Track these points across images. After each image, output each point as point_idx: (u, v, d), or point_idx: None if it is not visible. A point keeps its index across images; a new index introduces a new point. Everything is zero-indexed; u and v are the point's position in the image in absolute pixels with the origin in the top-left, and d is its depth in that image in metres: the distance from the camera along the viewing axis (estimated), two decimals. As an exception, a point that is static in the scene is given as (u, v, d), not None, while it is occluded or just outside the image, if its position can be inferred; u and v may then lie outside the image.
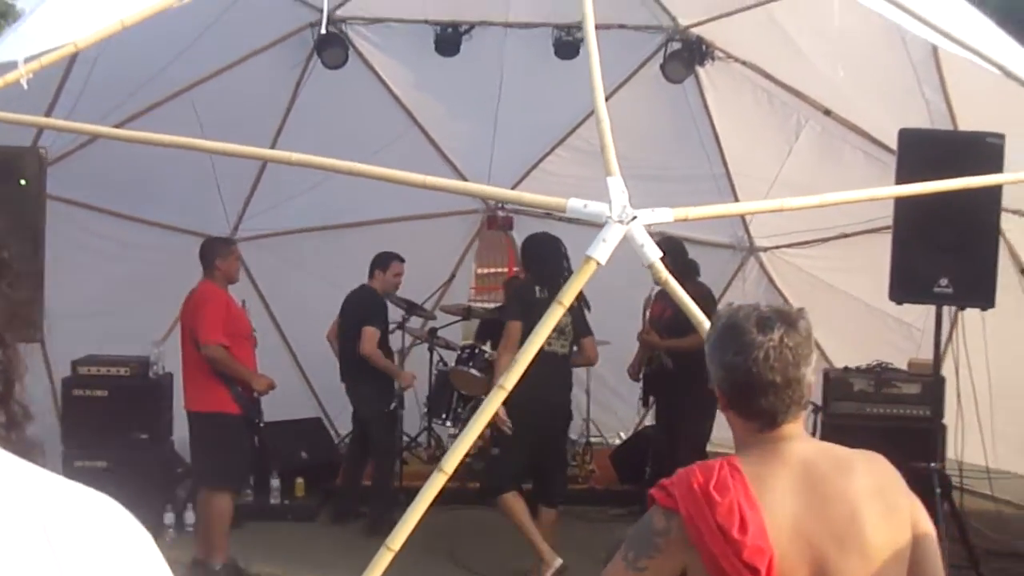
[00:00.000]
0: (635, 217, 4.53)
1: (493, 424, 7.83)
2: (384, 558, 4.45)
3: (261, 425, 8.79)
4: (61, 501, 1.46)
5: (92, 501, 1.49)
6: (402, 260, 10.01)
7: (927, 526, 2.99)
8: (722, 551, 2.79)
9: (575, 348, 8.55)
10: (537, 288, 8.08)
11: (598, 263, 4.52)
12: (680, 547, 2.88)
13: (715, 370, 3.02)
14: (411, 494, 9.32)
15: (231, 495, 8.49)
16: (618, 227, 4.51)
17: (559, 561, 8.16)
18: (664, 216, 4.65)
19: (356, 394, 10.04)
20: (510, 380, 4.56)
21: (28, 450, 1.52)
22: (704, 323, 4.73)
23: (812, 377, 2.96)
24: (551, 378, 8.02)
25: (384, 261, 9.97)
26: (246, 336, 8.59)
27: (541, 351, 4.76)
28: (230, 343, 8.27)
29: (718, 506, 2.81)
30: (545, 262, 8.22)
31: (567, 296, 4.61)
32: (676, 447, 9.00)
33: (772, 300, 10.85)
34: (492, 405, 4.61)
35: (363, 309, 9.76)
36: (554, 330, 7.26)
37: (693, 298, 8.62)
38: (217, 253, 8.54)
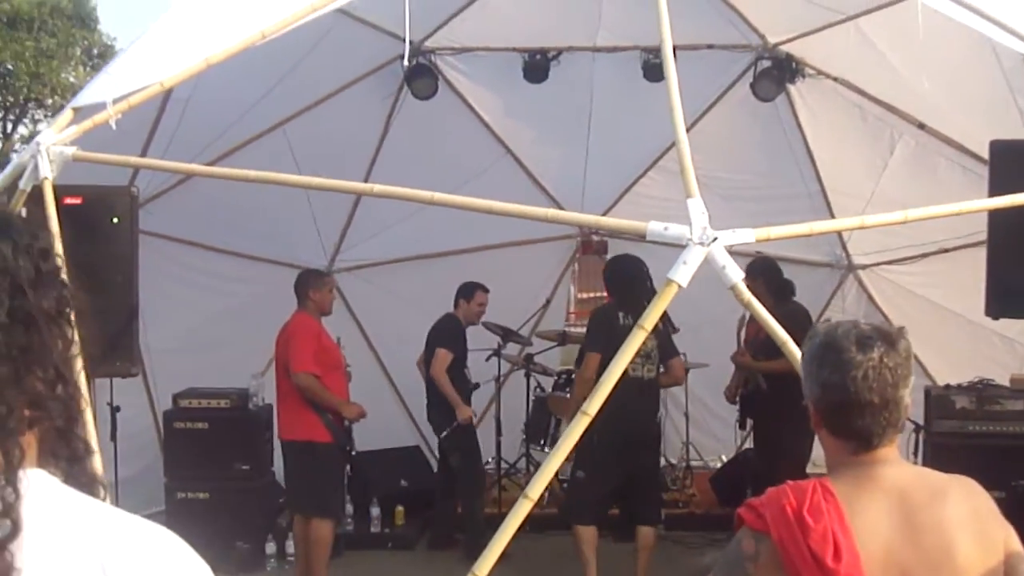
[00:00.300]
0: (716, 239, 4.50)
1: (579, 447, 7.75)
2: (476, 585, 4.44)
3: (353, 453, 8.92)
4: (121, 537, 1.48)
5: (152, 536, 1.51)
6: (486, 290, 10.08)
7: (1018, 547, 2.88)
8: None
9: (662, 369, 8.46)
10: (621, 314, 8.01)
11: (679, 286, 4.50)
12: (770, 571, 2.82)
13: (810, 387, 2.95)
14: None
15: (330, 523, 8.56)
16: (699, 249, 4.49)
17: None
18: (746, 237, 4.62)
19: (431, 420, 10.08)
20: (593, 406, 4.55)
21: (90, 484, 1.55)
22: (789, 343, 4.69)
23: (910, 399, 2.88)
24: (637, 403, 7.96)
25: (469, 291, 9.99)
26: (338, 367, 8.68)
27: (626, 376, 4.74)
28: (321, 373, 8.39)
29: (812, 532, 2.74)
30: (628, 285, 8.17)
31: (649, 320, 4.59)
32: (775, 469, 8.89)
33: (872, 318, 10.70)
34: (575, 432, 4.58)
35: (437, 333, 9.82)
36: (639, 355, 7.23)
37: (786, 318, 8.53)
38: (311, 285, 8.66)
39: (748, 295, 4.57)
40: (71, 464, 1.53)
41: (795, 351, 4.70)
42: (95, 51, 32.30)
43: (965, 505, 2.81)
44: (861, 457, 2.88)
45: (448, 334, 9.80)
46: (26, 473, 1.45)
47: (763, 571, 2.83)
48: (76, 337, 1.58)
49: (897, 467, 2.88)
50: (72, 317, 1.57)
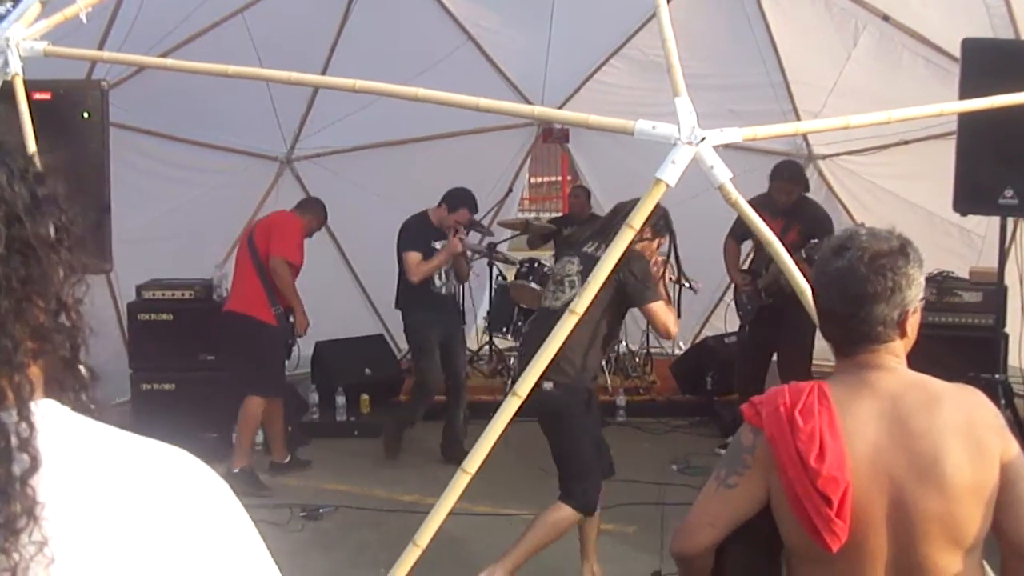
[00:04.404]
0: (704, 138, 4.50)
1: None
2: (461, 481, 4.50)
3: (294, 348, 9.15)
4: (139, 461, 1.49)
5: (170, 458, 1.52)
6: (474, 210, 9.47)
7: (1016, 459, 2.86)
8: (798, 476, 2.78)
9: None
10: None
11: (668, 185, 4.51)
12: (764, 465, 2.89)
13: None
14: (475, 408, 9.53)
15: (260, 400, 8.79)
16: (687, 148, 4.49)
17: None
18: (733, 136, 4.62)
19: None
20: (580, 304, 4.60)
21: (100, 410, 1.55)
22: (775, 244, 4.73)
23: (893, 314, 2.86)
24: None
25: (455, 203, 9.30)
26: (297, 275, 8.92)
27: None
28: (294, 270, 8.76)
29: (800, 431, 2.80)
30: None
31: (637, 218, 4.60)
32: (781, 355, 9.07)
33: (831, 208, 10.83)
34: (563, 329, 4.62)
35: (404, 233, 9.43)
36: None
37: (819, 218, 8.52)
38: (317, 215, 9.27)
39: (736, 195, 4.58)
40: (79, 393, 1.53)
41: (781, 251, 4.77)
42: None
43: (960, 414, 2.83)
44: (849, 361, 2.94)
45: (415, 235, 9.33)
46: (37, 405, 1.44)
47: (757, 464, 2.91)
48: (78, 262, 1.56)
49: (891, 373, 2.90)
50: (72, 241, 1.55)
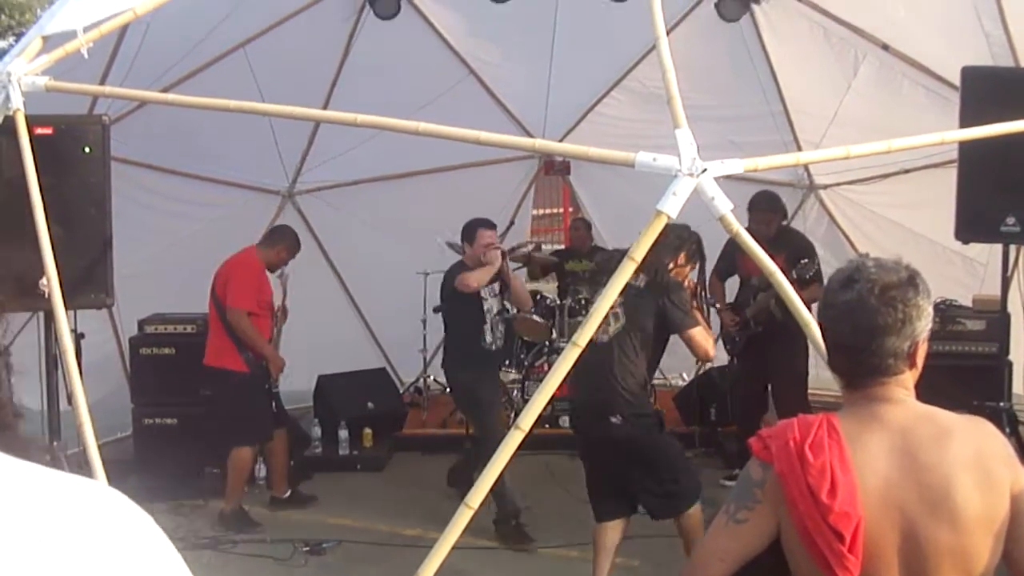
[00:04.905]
0: (705, 170, 4.49)
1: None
2: (464, 516, 4.47)
3: (274, 391, 9.01)
4: (63, 497, 1.47)
5: (94, 495, 1.50)
6: (491, 226, 8.87)
7: None
8: (810, 512, 2.76)
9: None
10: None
11: (669, 217, 4.50)
12: (774, 500, 2.86)
13: None
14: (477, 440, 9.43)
15: (248, 450, 8.81)
16: (688, 180, 4.47)
17: None
18: (734, 167, 4.61)
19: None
20: (583, 336, 4.58)
21: (25, 449, 1.53)
22: (778, 274, 4.72)
23: (904, 346, 2.83)
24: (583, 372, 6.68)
25: (470, 231, 8.69)
26: (268, 310, 8.87)
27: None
28: (257, 312, 8.68)
29: (811, 466, 2.78)
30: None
31: (639, 251, 4.58)
32: (776, 384, 9.05)
33: (833, 238, 10.83)
34: (566, 361, 4.60)
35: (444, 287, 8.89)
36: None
37: (799, 247, 8.57)
38: (287, 244, 9.02)
39: (737, 226, 4.57)
40: (1, 432, 1.51)
41: (784, 282, 4.76)
42: (42, -30, 31.69)
43: (970, 446, 2.80)
44: (857, 394, 2.91)
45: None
46: None
47: (767, 499, 2.88)
48: None
49: (901, 406, 2.87)
50: None
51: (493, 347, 8.88)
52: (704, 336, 6.76)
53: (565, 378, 4.77)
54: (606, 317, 6.53)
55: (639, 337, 6.64)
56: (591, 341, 6.68)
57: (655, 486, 6.76)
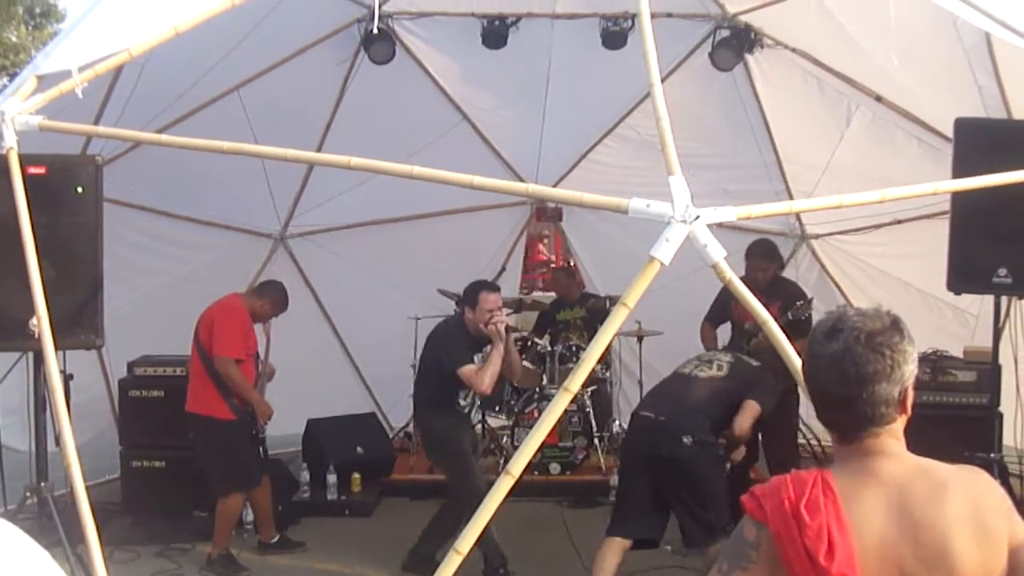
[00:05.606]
0: (698, 217, 4.49)
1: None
2: (453, 561, 4.44)
3: (261, 437, 8.89)
4: None
5: None
6: (495, 289, 8.51)
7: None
8: (807, 575, 2.74)
9: (719, 371, 7.60)
10: None
11: (662, 263, 4.49)
12: (770, 560, 2.81)
13: None
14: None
15: (236, 496, 8.69)
16: (681, 227, 4.47)
17: None
18: (727, 215, 4.61)
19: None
20: (575, 382, 4.56)
21: None
22: (770, 323, 4.72)
23: (896, 393, 2.79)
24: (665, 396, 7.49)
25: (472, 295, 8.31)
26: (252, 356, 8.75)
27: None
28: (244, 359, 8.57)
29: (807, 528, 2.73)
30: None
31: (631, 297, 4.57)
32: (767, 436, 9.03)
33: (825, 288, 10.82)
34: (557, 407, 4.58)
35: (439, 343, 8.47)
36: (701, 358, 7.72)
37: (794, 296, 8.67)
38: (275, 300, 8.94)
39: (729, 273, 4.57)
40: None
41: (776, 330, 4.76)
42: (37, 10, 31.86)
43: (967, 500, 2.76)
44: (849, 448, 2.86)
45: (461, 345, 8.28)
46: None
47: (762, 560, 2.83)
48: None
49: (896, 459, 2.83)
50: None
51: (465, 409, 8.99)
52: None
53: (555, 425, 4.75)
54: (709, 362, 7.64)
55: (728, 394, 7.33)
56: (683, 372, 7.54)
57: (700, 512, 7.00)
